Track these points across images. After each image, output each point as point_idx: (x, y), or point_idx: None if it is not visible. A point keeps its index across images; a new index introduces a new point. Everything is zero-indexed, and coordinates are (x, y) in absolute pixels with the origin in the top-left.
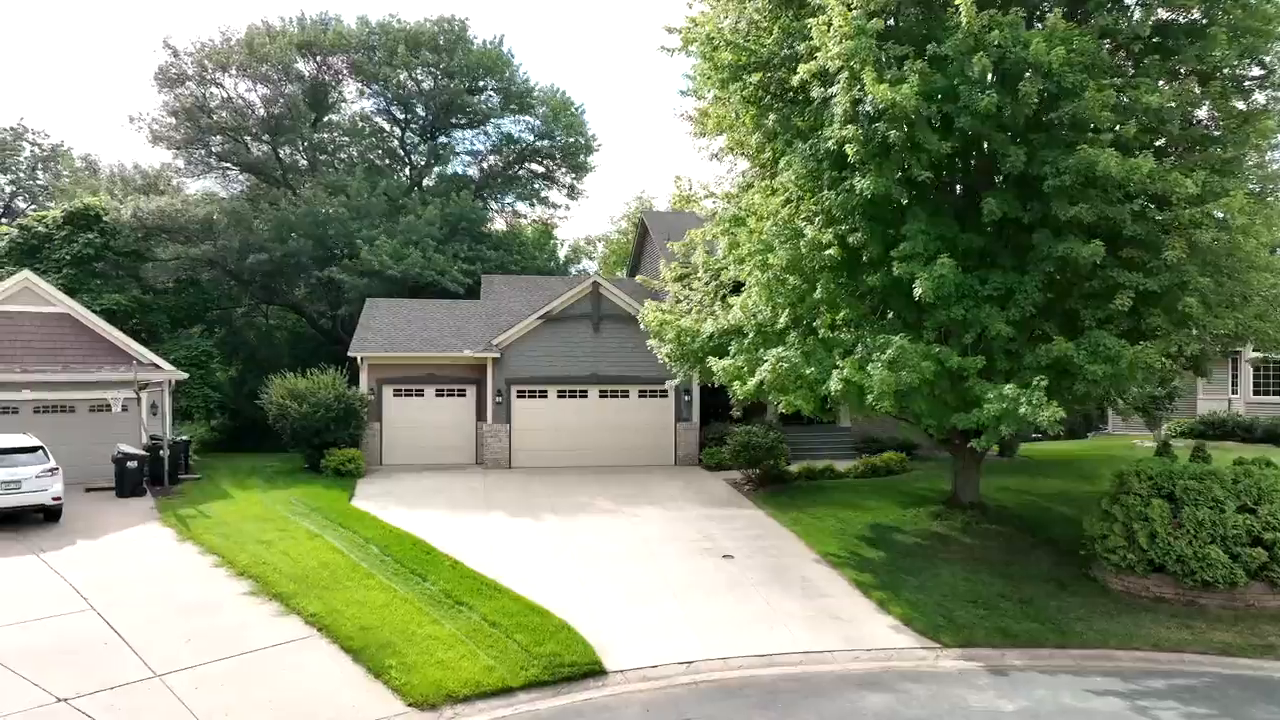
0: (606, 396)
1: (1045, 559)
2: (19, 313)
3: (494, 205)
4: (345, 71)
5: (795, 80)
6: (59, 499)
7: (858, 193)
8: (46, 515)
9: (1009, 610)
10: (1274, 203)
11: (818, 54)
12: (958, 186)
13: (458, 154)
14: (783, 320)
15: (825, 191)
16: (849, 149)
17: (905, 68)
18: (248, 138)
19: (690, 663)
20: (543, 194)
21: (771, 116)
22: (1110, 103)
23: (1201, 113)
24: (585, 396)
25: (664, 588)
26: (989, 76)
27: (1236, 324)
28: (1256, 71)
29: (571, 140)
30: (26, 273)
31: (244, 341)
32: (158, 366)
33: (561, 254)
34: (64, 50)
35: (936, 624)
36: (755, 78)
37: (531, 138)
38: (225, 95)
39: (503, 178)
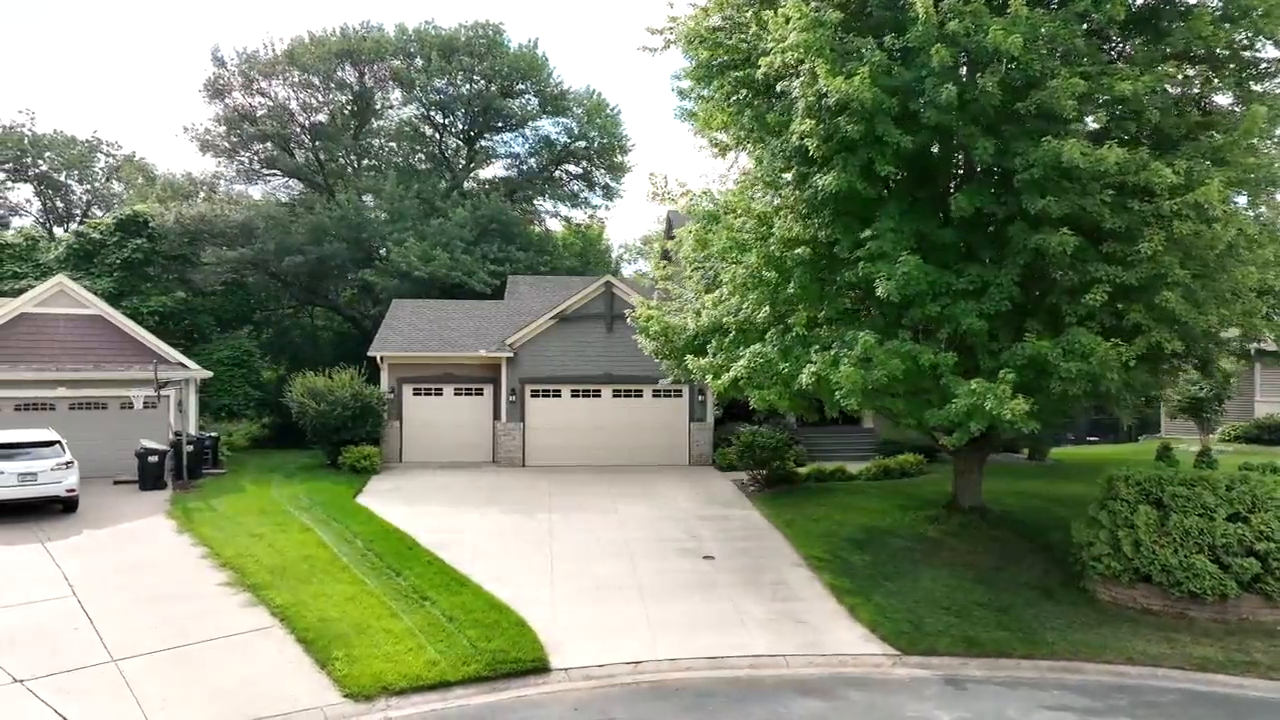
0: (620, 396)
1: (1038, 566)
2: (55, 314)
3: (532, 207)
4: (386, 78)
5: (759, 75)
6: (73, 491)
7: (820, 189)
8: (65, 506)
9: (983, 618)
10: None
11: (774, 48)
12: (938, 180)
13: (498, 156)
14: (761, 317)
15: (790, 188)
16: (809, 144)
17: (864, 59)
18: (293, 145)
19: (638, 663)
20: (581, 195)
21: (747, 113)
22: (1077, 92)
23: (1225, 99)
24: (599, 396)
25: (634, 587)
26: (950, 68)
27: (1222, 320)
28: (1273, 53)
29: (606, 141)
30: (61, 277)
31: (290, 342)
32: (184, 365)
33: (613, 255)
34: (132, 64)
35: (901, 631)
36: (735, 75)
37: (567, 139)
38: (270, 104)
39: (541, 179)
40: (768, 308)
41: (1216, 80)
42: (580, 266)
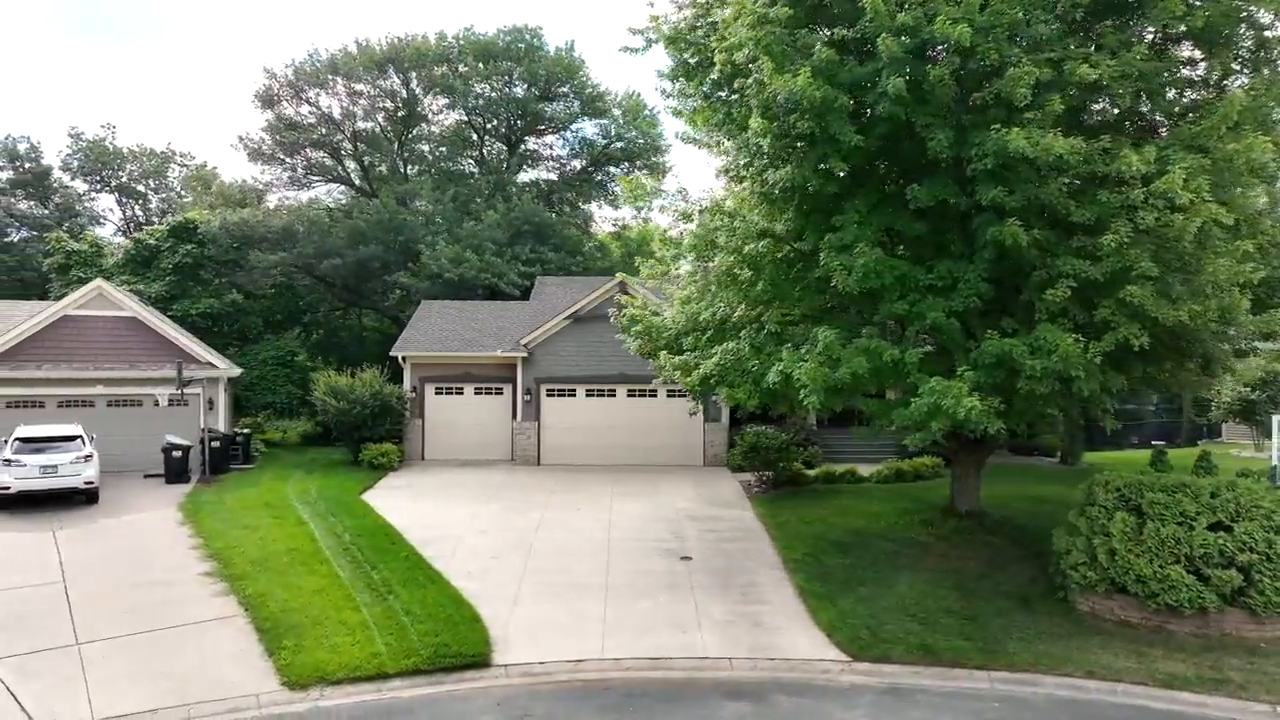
0: (634, 395)
1: (1024, 574)
2: (94, 316)
3: (577, 209)
4: (430, 85)
5: (715, 74)
6: (91, 483)
7: (771, 185)
8: (86, 497)
9: (947, 626)
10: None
11: (721, 45)
12: (908, 174)
13: (542, 159)
14: (738, 315)
15: (753, 183)
16: (763, 142)
17: (814, 55)
18: (342, 153)
19: (580, 661)
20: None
21: (720, 110)
22: (1031, 80)
23: (1242, 80)
24: (613, 395)
25: (602, 586)
26: (901, 59)
27: (1193, 316)
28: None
29: (645, 142)
30: (99, 280)
31: (338, 342)
32: (212, 365)
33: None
34: (210, 78)
35: (857, 637)
36: (712, 75)
37: (606, 141)
38: (318, 113)
39: (582, 181)
40: (743, 306)
41: (1214, 62)
42: (626, 268)
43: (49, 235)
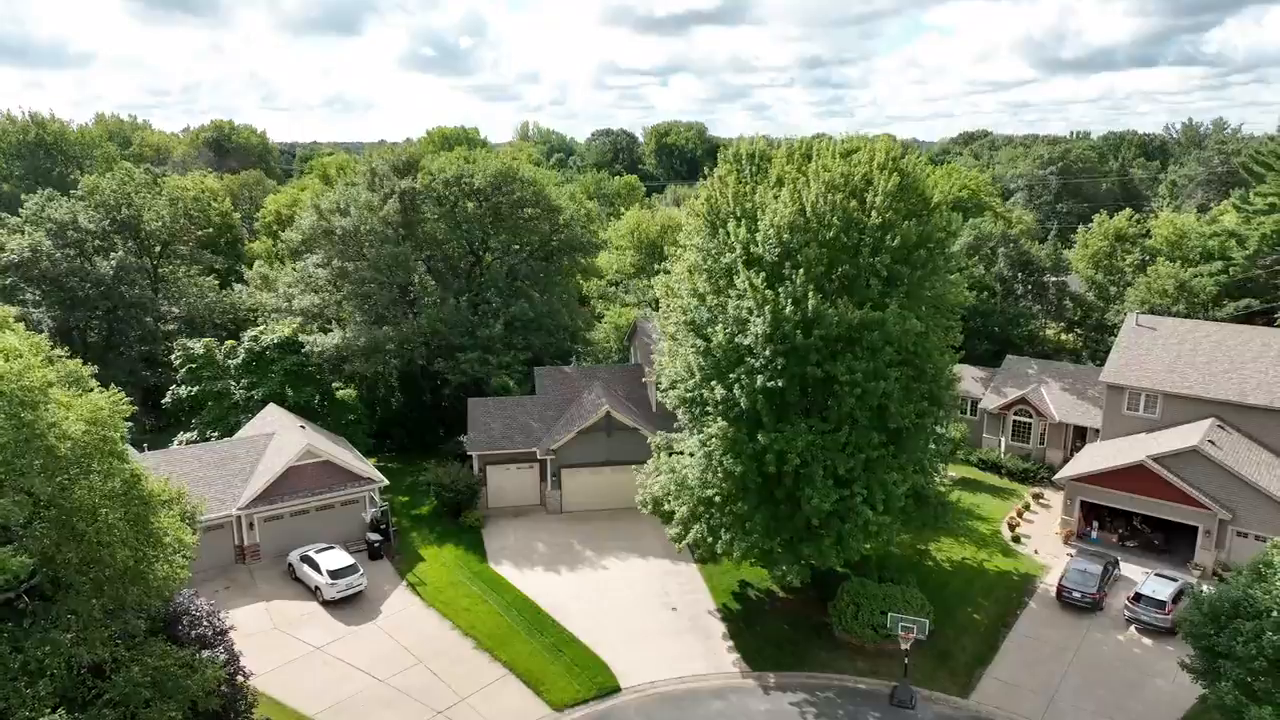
0: (616, 470)
1: (826, 620)
2: (304, 464)
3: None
4: (426, 200)
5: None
6: (360, 588)
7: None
8: (360, 595)
9: (784, 647)
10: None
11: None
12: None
13: (506, 255)
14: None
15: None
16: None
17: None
18: (372, 282)
19: (653, 681)
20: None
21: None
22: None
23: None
24: (604, 470)
25: (659, 631)
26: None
27: (916, 412)
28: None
29: (588, 240)
30: (307, 443)
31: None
32: (372, 480)
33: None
34: None
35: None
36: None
37: (554, 236)
38: (344, 230)
39: (539, 268)
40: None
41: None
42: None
43: (175, 342)
